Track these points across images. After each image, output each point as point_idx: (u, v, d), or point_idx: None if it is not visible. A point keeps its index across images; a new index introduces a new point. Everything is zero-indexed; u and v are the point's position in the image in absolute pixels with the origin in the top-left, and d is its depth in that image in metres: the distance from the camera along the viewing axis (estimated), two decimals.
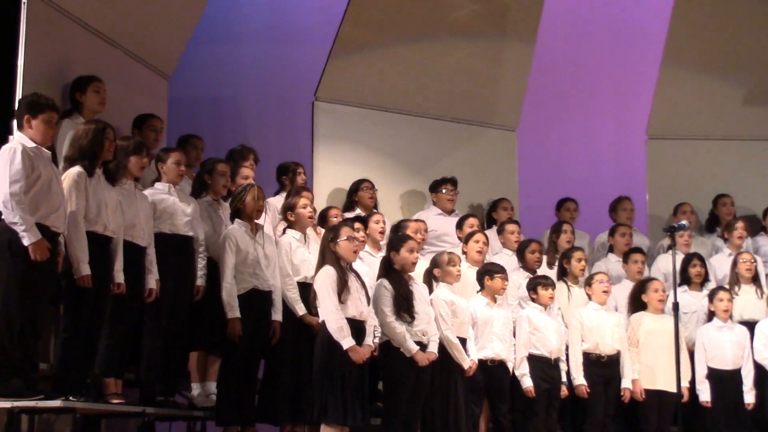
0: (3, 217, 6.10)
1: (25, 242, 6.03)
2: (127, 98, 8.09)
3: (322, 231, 7.78)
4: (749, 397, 8.74)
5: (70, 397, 6.34)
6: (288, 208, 7.86)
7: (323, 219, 8.38)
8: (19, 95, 6.84)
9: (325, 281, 7.01)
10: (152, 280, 7.16)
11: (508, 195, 10.48)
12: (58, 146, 6.84)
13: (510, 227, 9.48)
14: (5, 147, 6.19)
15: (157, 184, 7.51)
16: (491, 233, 9.54)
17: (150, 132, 7.96)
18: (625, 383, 8.63)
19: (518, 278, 8.86)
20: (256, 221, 7.57)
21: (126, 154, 6.99)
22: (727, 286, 9.18)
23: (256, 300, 7.45)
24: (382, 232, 8.64)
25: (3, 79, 7.06)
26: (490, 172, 10.87)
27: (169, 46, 9.05)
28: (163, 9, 8.70)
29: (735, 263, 9.39)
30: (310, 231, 7.95)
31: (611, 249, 10.01)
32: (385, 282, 7.44)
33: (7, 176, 6.02)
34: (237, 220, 7.55)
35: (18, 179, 6.03)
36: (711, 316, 8.94)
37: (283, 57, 11.82)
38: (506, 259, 9.11)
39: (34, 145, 6.22)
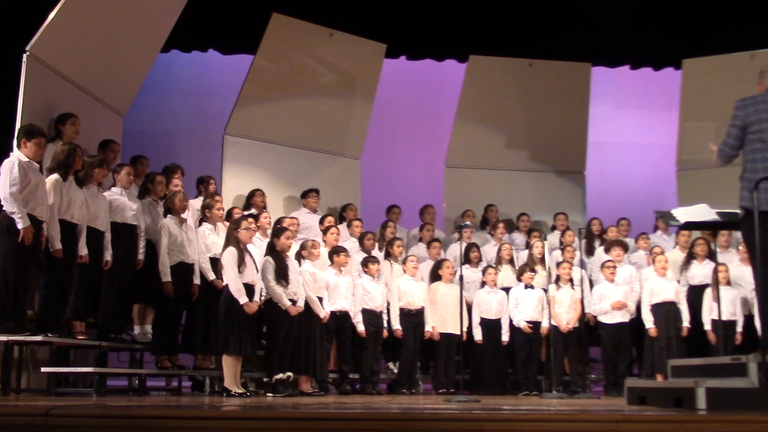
0: (4, 208, 6.07)
1: (19, 226, 6.02)
2: (94, 129, 7.89)
3: (228, 223, 7.77)
4: (505, 336, 9.02)
5: (49, 334, 6.29)
6: (206, 208, 7.92)
7: (228, 215, 8.36)
8: (18, 125, 6.70)
9: (229, 258, 6.98)
10: (108, 254, 7.08)
11: (354, 201, 10.56)
12: (45, 161, 6.71)
13: (355, 223, 9.58)
14: (7, 161, 6.20)
15: (113, 188, 7.41)
16: (342, 227, 9.63)
17: (110, 152, 7.80)
18: (427, 328, 8.85)
19: (358, 258, 8.99)
20: (182, 216, 7.55)
21: (92, 167, 6.93)
22: (494, 265, 9.44)
23: (182, 269, 7.46)
24: (268, 225, 8.65)
25: (8, 114, 6.95)
26: (343, 185, 10.90)
27: (124, 93, 8.85)
28: (121, 67, 8.52)
29: (499, 250, 9.66)
30: (219, 223, 7.96)
31: (420, 239, 10.21)
32: (270, 259, 7.46)
33: (8, 181, 6.05)
34: (169, 215, 7.51)
35: (15, 183, 6.04)
36: (483, 284, 9.18)
37: (204, 103, 11.74)
38: (352, 244, 9.22)
39: (27, 159, 6.23)
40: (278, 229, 7.80)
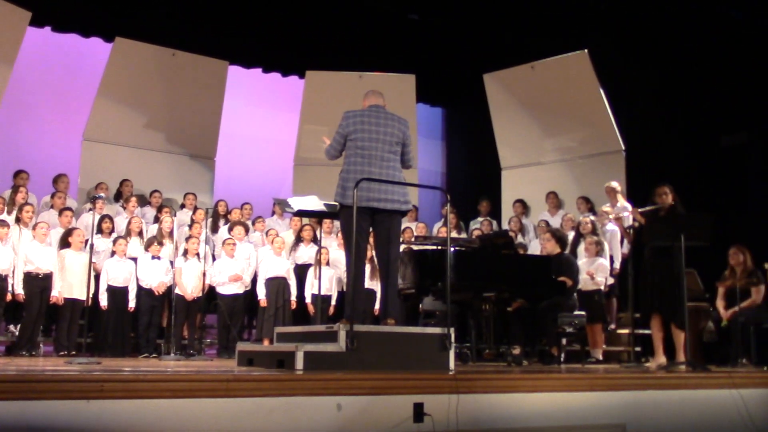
0: None
1: None
2: None
3: None
4: (131, 303, 8.64)
5: None
6: None
7: None
8: None
9: None
10: None
11: None
12: None
13: None
14: None
15: None
16: None
17: None
18: (54, 293, 8.19)
19: None
20: None
21: None
22: (124, 236, 9.00)
23: None
24: None
25: None
26: None
27: None
28: None
29: (130, 222, 9.25)
30: None
31: (52, 206, 9.41)
32: None
33: None
34: None
35: None
36: (113, 253, 8.71)
37: None
38: None
39: None
40: None
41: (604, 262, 8.49)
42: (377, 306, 8.53)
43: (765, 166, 9.86)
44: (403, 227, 9.97)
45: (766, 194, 9.70)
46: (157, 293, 8.68)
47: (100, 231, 8.90)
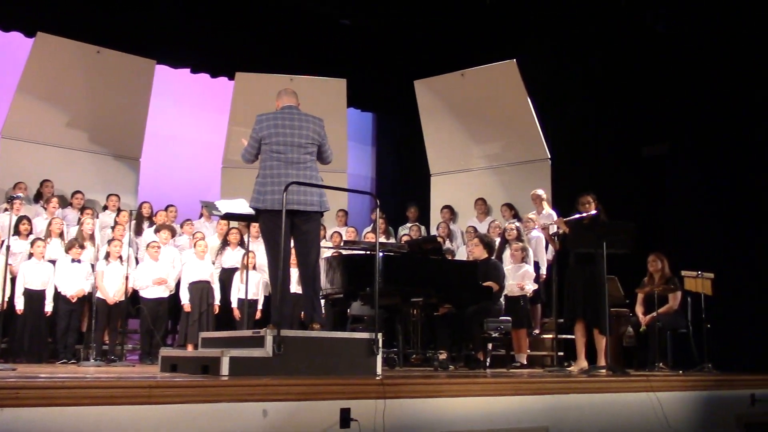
0: None
1: None
2: None
3: None
4: (48, 307, 8.37)
5: None
6: None
7: None
8: None
9: None
10: None
11: None
12: None
13: None
14: None
15: None
16: None
17: None
18: None
19: None
20: None
21: None
22: (43, 238, 8.73)
23: None
24: None
25: None
26: None
27: None
28: None
29: (50, 224, 8.97)
30: None
31: None
32: None
33: None
34: None
35: None
36: (31, 255, 8.44)
37: None
38: None
39: None
40: None
41: (530, 268, 8.66)
42: None
43: (684, 176, 10.22)
44: (331, 232, 10.00)
45: (685, 204, 10.05)
46: (72, 300, 8.42)
47: (17, 232, 8.59)
